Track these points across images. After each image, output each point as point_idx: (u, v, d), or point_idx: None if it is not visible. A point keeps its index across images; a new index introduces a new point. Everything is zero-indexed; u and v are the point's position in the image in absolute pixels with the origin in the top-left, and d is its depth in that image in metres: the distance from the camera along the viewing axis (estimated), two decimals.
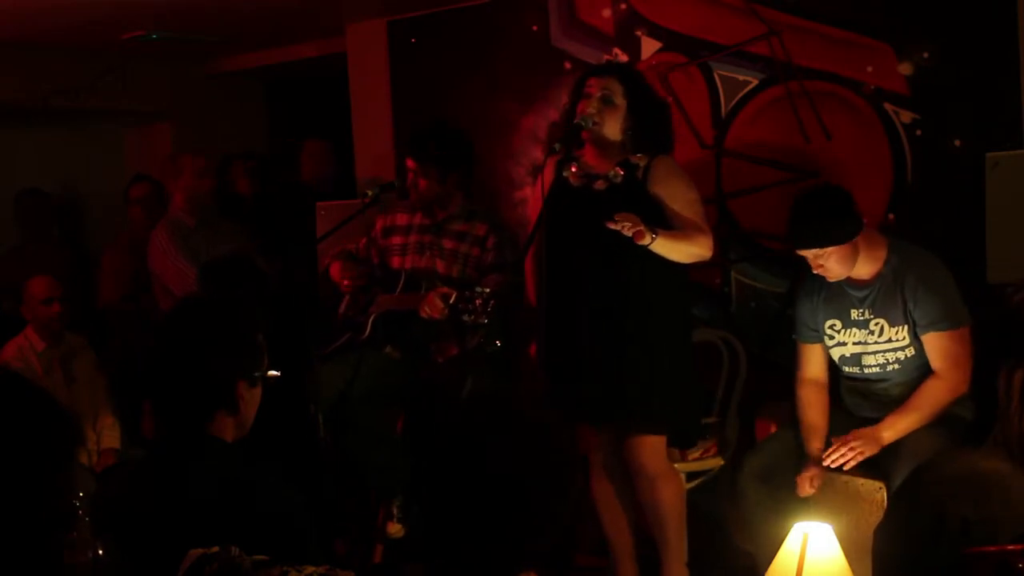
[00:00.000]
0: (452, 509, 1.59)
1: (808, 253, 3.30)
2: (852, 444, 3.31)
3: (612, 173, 3.54)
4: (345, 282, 4.26)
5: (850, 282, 3.37)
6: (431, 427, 1.70)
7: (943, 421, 3.27)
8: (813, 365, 3.51)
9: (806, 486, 3.37)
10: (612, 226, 3.28)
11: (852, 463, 3.32)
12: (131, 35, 5.42)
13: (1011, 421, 1.81)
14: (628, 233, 3.28)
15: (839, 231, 3.24)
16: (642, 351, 3.50)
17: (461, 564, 1.60)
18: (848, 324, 3.41)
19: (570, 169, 3.59)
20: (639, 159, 3.54)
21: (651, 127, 3.57)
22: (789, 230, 3.34)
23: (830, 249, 3.25)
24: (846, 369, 3.47)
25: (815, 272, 3.33)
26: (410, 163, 4.16)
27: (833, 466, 3.34)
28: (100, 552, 2.11)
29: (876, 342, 3.37)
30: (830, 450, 3.35)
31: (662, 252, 3.40)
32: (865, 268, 3.34)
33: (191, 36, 5.56)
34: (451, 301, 3.63)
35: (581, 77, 3.65)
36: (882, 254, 3.34)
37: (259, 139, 6.65)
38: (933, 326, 3.27)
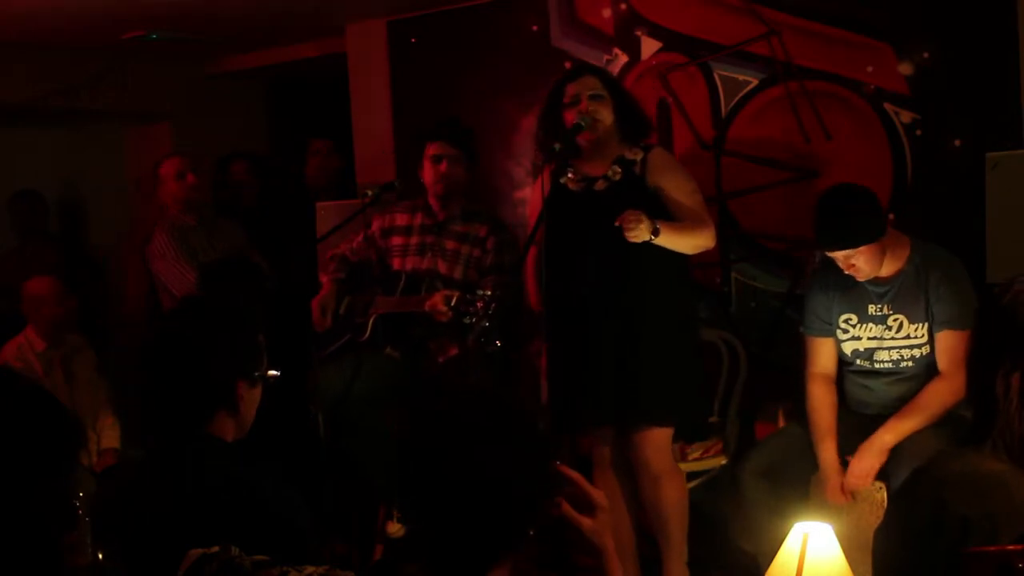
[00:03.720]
0: (433, 502, 1.59)
1: (839, 254, 3.30)
2: (863, 466, 3.31)
3: (611, 172, 3.57)
4: (323, 278, 4.28)
5: (870, 278, 3.37)
6: (412, 423, 1.70)
7: (945, 422, 3.26)
8: (823, 359, 3.50)
9: (839, 496, 3.35)
10: (619, 224, 3.31)
11: (869, 480, 3.32)
12: (131, 35, 5.41)
13: (1011, 422, 1.81)
14: (631, 238, 3.30)
15: (870, 230, 3.24)
16: (647, 345, 3.52)
17: (443, 559, 1.60)
18: (865, 319, 3.41)
19: (567, 176, 3.62)
20: (634, 154, 3.58)
21: (637, 115, 3.67)
22: (818, 231, 3.32)
23: (861, 248, 3.25)
24: (857, 363, 3.47)
25: (846, 272, 3.33)
26: (437, 148, 4.15)
27: (855, 490, 3.34)
28: (100, 553, 2.11)
29: (893, 338, 3.37)
30: (847, 479, 3.34)
31: (667, 244, 3.43)
32: (888, 265, 3.34)
33: (191, 36, 5.55)
34: (453, 303, 3.64)
35: (555, 87, 3.67)
36: (905, 252, 3.35)
37: (259, 139, 6.64)
38: (948, 324, 3.28)
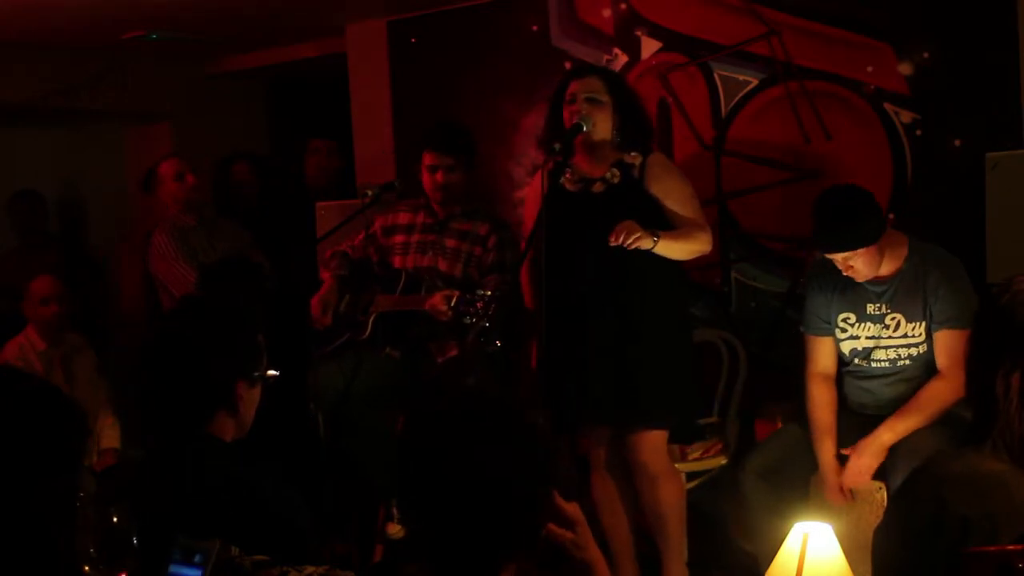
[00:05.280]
0: (433, 503, 1.59)
1: (837, 256, 3.30)
2: (861, 464, 3.31)
3: (609, 174, 3.57)
4: (324, 274, 4.27)
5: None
6: (412, 423, 1.70)
7: (945, 421, 3.26)
8: (823, 358, 3.50)
9: (839, 496, 3.36)
10: (614, 242, 3.30)
11: (866, 478, 3.32)
12: (131, 35, 5.42)
13: (1011, 422, 1.81)
14: (630, 246, 3.31)
15: (868, 232, 3.23)
16: (642, 347, 3.51)
17: (443, 560, 1.60)
18: (863, 318, 3.41)
19: (565, 176, 3.61)
20: (633, 158, 3.57)
21: (638, 122, 3.62)
22: (815, 233, 3.32)
23: (859, 251, 3.25)
24: (855, 363, 3.47)
25: (845, 274, 3.32)
26: (433, 159, 4.14)
27: (852, 488, 3.34)
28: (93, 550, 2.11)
29: (891, 337, 3.37)
30: (845, 476, 3.34)
31: (664, 253, 3.43)
32: (886, 265, 3.34)
33: (191, 36, 5.56)
34: (453, 303, 3.63)
35: (561, 83, 3.66)
36: (903, 251, 3.34)
37: (259, 139, 6.64)
38: (948, 323, 3.27)
